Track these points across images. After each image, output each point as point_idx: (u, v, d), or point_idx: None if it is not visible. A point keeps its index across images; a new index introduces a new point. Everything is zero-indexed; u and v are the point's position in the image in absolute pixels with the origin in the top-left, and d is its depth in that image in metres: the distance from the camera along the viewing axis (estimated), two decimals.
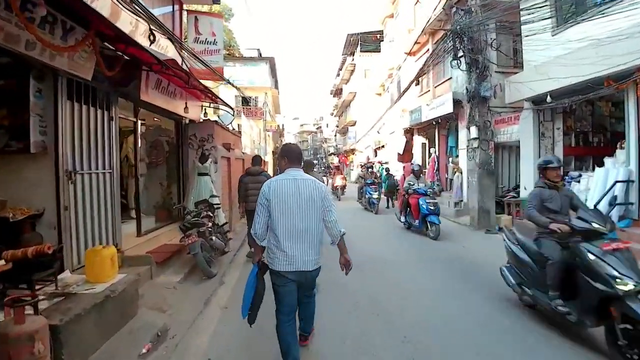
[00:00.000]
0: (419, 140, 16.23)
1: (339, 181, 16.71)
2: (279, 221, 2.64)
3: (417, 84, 13.42)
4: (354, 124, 33.93)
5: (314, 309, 3.11)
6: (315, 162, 15.61)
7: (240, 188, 6.26)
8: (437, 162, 13.73)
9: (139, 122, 7.80)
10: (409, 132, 16.78)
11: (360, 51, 31.14)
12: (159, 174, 7.74)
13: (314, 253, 2.69)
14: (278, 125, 36.26)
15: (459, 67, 9.58)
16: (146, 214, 7.34)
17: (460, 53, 9.30)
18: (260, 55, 29.68)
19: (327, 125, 63.74)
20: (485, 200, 8.84)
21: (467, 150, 11.50)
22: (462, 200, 11.58)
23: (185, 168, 7.77)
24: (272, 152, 32.75)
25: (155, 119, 7.88)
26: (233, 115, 8.89)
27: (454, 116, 11.58)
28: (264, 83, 27.93)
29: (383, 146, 22.40)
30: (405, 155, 17.75)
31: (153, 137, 7.72)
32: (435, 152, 13.82)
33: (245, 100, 27.36)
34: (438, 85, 13.45)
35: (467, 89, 9.14)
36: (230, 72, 19.47)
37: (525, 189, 9.62)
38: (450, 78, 12.44)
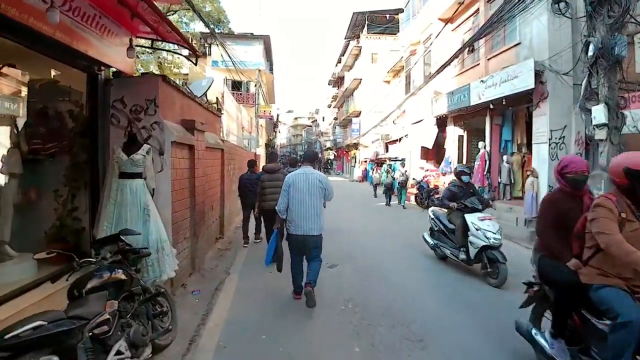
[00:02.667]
0: (454, 132, 12.72)
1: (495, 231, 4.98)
2: (294, 202, 4.09)
3: (471, 50, 9.84)
4: (358, 114, 30.26)
5: (319, 267, 4.23)
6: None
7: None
8: (487, 161, 10.25)
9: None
10: (440, 122, 13.27)
11: (368, 32, 27.48)
12: (53, 175, 4.08)
13: (317, 223, 4.11)
14: (272, 115, 32.44)
15: (564, 14, 6.08)
16: (23, 250, 3.74)
17: None
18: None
19: (324, 118, 59.79)
20: None
21: (550, 145, 8.05)
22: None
23: (105, 162, 4.15)
24: (265, 144, 28.96)
25: (57, 71, 4.27)
26: (195, 63, 5.02)
27: (534, 93, 8.04)
28: (258, 65, 24.20)
29: (399, 139, 18.81)
30: (433, 151, 14.28)
31: (41, 102, 4.03)
32: (484, 147, 10.34)
33: (237, 84, 23.59)
34: (494, 56, 9.90)
35: (586, 44, 5.61)
36: (220, 52, 15.75)
37: None
38: (519, 43, 8.93)
